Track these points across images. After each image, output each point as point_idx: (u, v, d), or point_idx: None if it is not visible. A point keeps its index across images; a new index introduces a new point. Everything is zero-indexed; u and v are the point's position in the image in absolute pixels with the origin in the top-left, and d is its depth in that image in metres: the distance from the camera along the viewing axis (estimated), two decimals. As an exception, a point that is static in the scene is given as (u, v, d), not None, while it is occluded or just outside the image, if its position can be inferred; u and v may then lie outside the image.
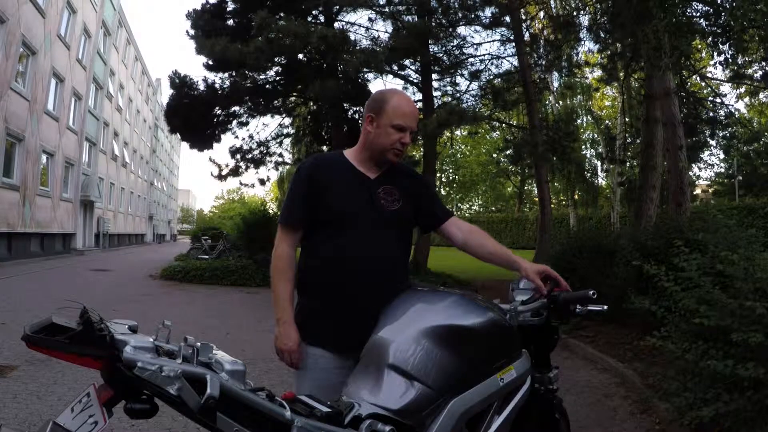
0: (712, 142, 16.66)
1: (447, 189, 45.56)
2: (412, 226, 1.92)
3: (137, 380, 1.08)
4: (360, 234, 1.75)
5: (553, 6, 14.35)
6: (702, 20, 7.39)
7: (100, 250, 25.01)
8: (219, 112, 12.98)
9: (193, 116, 12.11)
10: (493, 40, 18.64)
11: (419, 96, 13.05)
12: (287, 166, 18.92)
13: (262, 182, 15.50)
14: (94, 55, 23.31)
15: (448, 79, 13.61)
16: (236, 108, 13.17)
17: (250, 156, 14.21)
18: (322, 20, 12.19)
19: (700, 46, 11.98)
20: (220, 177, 14.45)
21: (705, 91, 14.16)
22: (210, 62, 11.61)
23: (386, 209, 1.80)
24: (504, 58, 13.62)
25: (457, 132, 23.79)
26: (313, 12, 11.97)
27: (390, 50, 10.29)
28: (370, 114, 1.80)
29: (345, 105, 13.42)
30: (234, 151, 14.13)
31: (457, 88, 13.58)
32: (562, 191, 29.39)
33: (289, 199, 1.82)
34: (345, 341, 1.69)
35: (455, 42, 12.59)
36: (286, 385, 3.61)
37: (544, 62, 13.06)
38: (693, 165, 19.72)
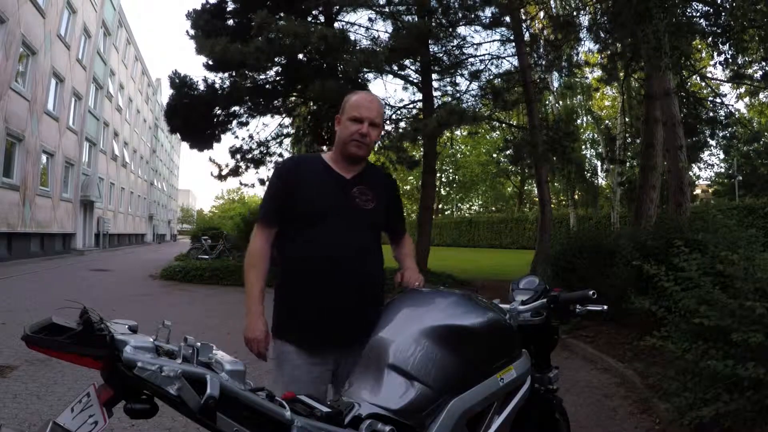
0: (712, 142, 16.63)
1: (447, 189, 45.52)
2: (383, 226, 1.95)
3: (137, 380, 1.08)
4: (331, 231, 1.77)
5: (553, 6, 14.32)
6: (702, 20, 7.39)
7: (100, 250, 25.00)
8: (219, 112, 12.95)
9: (193, 116, 12.10)
10: (493, 40, 18.62)
11: (419, 96, 13.03)
12: (287, 166, 18.90)
13: (262, 182, 15.43)
14: (94, 55, 23.31)
15: (448, 79, 13.58)
16: (236, 108, 13.16)
17: (250, 156, 14.20)
18: (322, 20, 12.18)
19: (700, 46, 11.97)
20: (220, 177, 14.44)
21: (705, 91, 14.14)
22: (210, 62, 11.60)
23: (360, 207, 1.83)
24: (504, 58, 13.60)
25: (457, 132, 23.73)
26: (313, 12, 11.95)
27: (390, 50, 10.26)
28: (337, 115, 1.88)
29: (345, 105, 13.37)
30: (234, 151, 14.11)
31: (457, 88, 13.54)
32: (562, 191, 29.39)
33: (265, 196, 1.92)
34: (315, 339, 1.73)
35: (455, 42, 12.56)
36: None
37: (544, 62, 13.02)
38: (693, 165, 19.71)
